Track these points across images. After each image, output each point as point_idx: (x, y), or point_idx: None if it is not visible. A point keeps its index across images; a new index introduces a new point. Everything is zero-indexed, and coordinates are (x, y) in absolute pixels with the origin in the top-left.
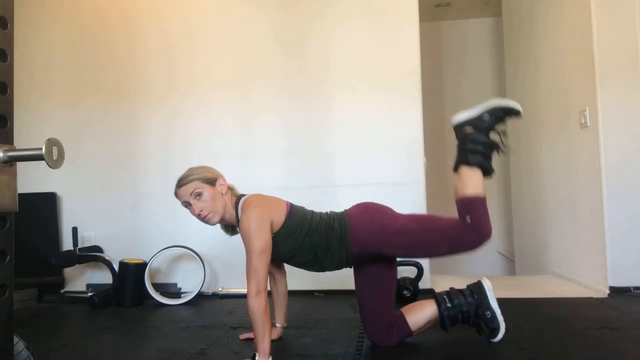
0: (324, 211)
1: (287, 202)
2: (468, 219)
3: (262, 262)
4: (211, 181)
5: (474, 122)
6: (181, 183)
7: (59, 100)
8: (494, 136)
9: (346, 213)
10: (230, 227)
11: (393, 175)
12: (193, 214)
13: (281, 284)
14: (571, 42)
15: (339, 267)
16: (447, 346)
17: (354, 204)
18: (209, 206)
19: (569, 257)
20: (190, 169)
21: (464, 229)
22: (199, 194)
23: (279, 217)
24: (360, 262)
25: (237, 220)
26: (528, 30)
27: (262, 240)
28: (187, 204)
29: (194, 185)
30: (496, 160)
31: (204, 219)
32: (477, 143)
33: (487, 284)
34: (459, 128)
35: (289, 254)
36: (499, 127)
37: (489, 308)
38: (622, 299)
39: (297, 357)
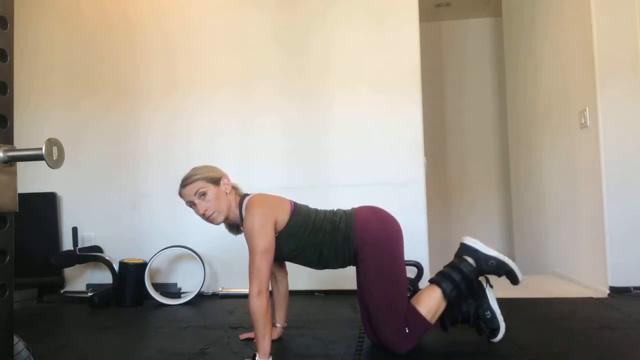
0: (329, 209)
1: (291, 201)
2: (407, 329)
3: (264, 262)
4: (215, 180)
5: (480, 259)
6: (185, 183)
7: (59, 100)
8: (482, 281)
9: (354, 214)
10: (235, 227)
11: (393, 175)
12: (197, 213)
13: (282, 283)
14: (571, 42)
15: (343, 266)
16: (447, 346)
17: (363, 204)
18: (213, 206)
19: (569, 257)
20: (194, 169)
21: (399, 331)
22: (204, 194)
23: (283, 217)
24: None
25: (241, 219)
26: (528, 30)
27: (266, 240)
28: (191, 204)
29: (198, 185)
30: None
31: (208, 219)
32: (463, 280)
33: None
34: (465, 249)
35: (293, 253)
36: (491, 276)
37: (489, 308)
38: (622, 299)
39: (297, 357)
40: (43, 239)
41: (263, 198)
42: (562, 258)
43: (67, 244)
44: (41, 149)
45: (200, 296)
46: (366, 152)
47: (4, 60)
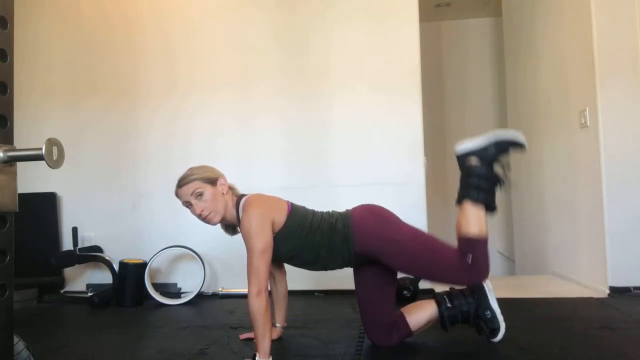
0: (325, 211)
1: (288, 202)
2: (469, 258)
3: (263, 262)
4: (212, 181)
5: (479, 154)
6: (182, 183)
7: (59, 100)
8: (497, 169)
9: (350, 214)
10: (231, 227)
11: (393, 175)
12: (194, 214)
13: (281, 284)
14: (571, 42)
15: (341, 267)
16: (447, 346)
17: (358, 204)
18: (209, 206)
19: (569, 257)
20: (191, 169)
21: (464, 268)
22: (200, 194)
23: (280, 217)
24: (361, 263)
25: (238, 220)
26: (528, 30)
27: (263, 241)
28: (187, 204)
29: (195, 185)
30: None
31: (204, 219)
32: (481, 178)
33: (487, 284)
34: (463, 157)
35: (290, 253)
36: (503, 159)
37: (489, 308)
38: (622, 299)
39: (297, 357)
40: (43, 239)
41: (260, 198)
42: (562, 258)
43: (67, 244)
44: (41, 149)
45: (200, 296)
46: (366, 152)
47: (4, 60)
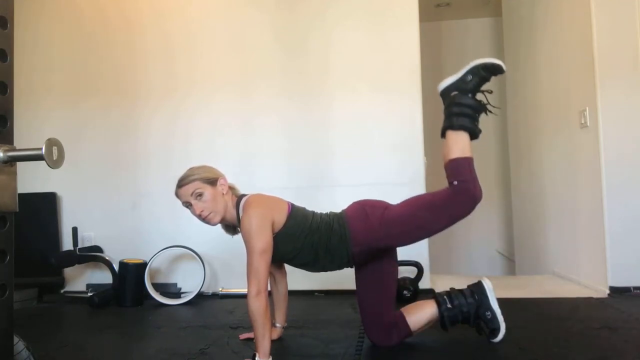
0: (324, 212)
1: (288, 203)
2: (455, 182)
3: (262, 262)
4: (212, 181)
5: (458, 85)
6: (182, 183)
7: (59, 100)
8: (480, 97)
9: (344, 212)
10: (232, 227)
11: (393, 175)
12: (194, 214)
13: (281, 284)
14: (571, 42)
15: (340, 267)
16: (447, 346)
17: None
18: (209, 206)
19: (569, 257)
20: (191, 169)
21: (454, 194)
22: (200, 195)
23: (280, 218)
24: (361, 262)
25: (238, 220)
26: (528, 30)
27: (263, 241)
28: (187, 204)
29: (195, 186)
30: (496, 159)
31: (204, 220)
32: (462, 106)
33: (487, 284)
34: (445, 94)
35: (290, 254)
36: (484, 86)
37: (489, 308)
38: (622, 299)
39: (297, 357)
40: (43, 239)
41: (260, 198)
42: (562, 258)
43: (67, 244)
44: (41, 149)
45: (200, 296)
46: (366, 152)
47: (4, 60)
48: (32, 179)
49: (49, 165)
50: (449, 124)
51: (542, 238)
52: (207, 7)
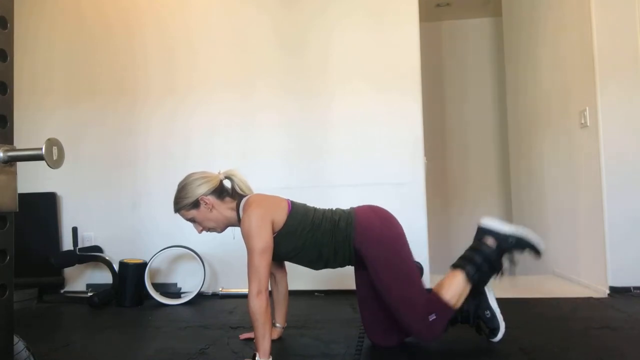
0: (327, 208)
1: (288, 201)
2: (433, 316)
3: (263, 262)
4: (194, 204)
5: (499, 238)
6: (175, 211)
7: (59, 100)
8: (505, 260)
9: (354, 213)
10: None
11: (393, 175)
12: (199, 232)
13: (282, 284)
14: (571, 42)
15: (342, 265)
16: (447, 346)
17: (362, 204)
18: (206, 224)
19: (569, 257)
20: (175, 197)
21: (423, 320)
22: (192, 219)
23: (281, 217)
24: (362, 262)
25: (240, 221)
26: (528, 30)
27: (263, 240)
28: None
29: (183, 215)
30: (496, 159)
31: (210, 232)
32: (486, 261)
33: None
34: (483, 231)
35: (292, 252)
36: (515, 255)
37: (489, 308)
38: (622, 299)
39: (297, 357)
40: (43, 239)
41: (260, 198)
42: (562, 258)
43: (67, 244)
44: (41, 149)
45: (200, 296)
46: (366, 152)
47: (4, 60)
48: (32, 179)
49: (49, 165)
50: (465, 268)
51: (542, 238)
52: (206, 6)
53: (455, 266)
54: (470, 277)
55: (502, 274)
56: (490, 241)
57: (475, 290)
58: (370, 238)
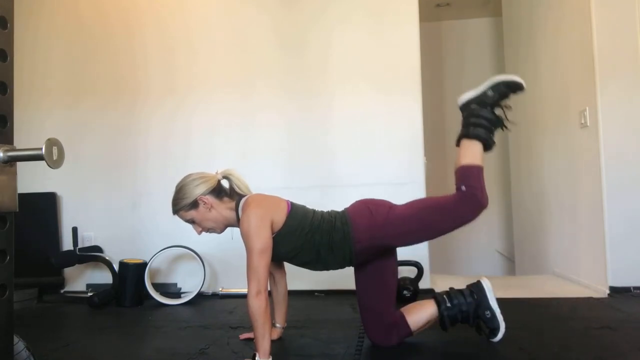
0: (325, 210)
1: (287, 201)
2: (463, 187)
3: (262, 262)
4: (193, 204)
5: (479, 99)
6: (173, 213)
7: (59, 100)
8: (498, 112)
9: (346, 211)
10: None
11: (393, 175)
12: (198, 233)
13: (281, 284)
14: (571, 42)
15: (342, 266)
16: (446, 346)
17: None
18: (206, 224)
19: (569, 257)
20: (173, 198)
21: (460, 199)
22: (191, 220)
23: (280, 217)
24: (361, 262)
25: (239, 221)
26: (528, 30)
27: (262, 240)
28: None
29: (182, 215)
30: (496, 159)
31: (210, 233)
32: (480, 117)
33: (486, 284)
34: (464, 107)
35: (291, 253)
36: (504, 102)
37: (489, 308)
38: (622, 299)
39: (297, 357)
40: (43, 239)
41: (259, 198)
42: (562, 258)
43: (67, 244)
44: (41, 149)
45: (200, 296)
46: (366, 152)
47: (4, 60)
48: (32, 179)
49: (49, 165)
50: (465, 133)
51: (542, 238)
52: (206, 6)
53: (458, 141)
54: (472, 136)
55: (502, 123)
56: (473, 106)
57: (488, 147)
58: (366, 226)
